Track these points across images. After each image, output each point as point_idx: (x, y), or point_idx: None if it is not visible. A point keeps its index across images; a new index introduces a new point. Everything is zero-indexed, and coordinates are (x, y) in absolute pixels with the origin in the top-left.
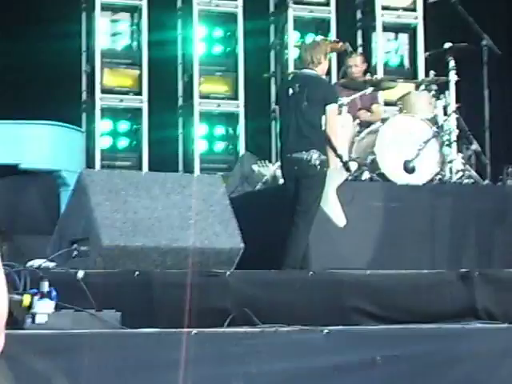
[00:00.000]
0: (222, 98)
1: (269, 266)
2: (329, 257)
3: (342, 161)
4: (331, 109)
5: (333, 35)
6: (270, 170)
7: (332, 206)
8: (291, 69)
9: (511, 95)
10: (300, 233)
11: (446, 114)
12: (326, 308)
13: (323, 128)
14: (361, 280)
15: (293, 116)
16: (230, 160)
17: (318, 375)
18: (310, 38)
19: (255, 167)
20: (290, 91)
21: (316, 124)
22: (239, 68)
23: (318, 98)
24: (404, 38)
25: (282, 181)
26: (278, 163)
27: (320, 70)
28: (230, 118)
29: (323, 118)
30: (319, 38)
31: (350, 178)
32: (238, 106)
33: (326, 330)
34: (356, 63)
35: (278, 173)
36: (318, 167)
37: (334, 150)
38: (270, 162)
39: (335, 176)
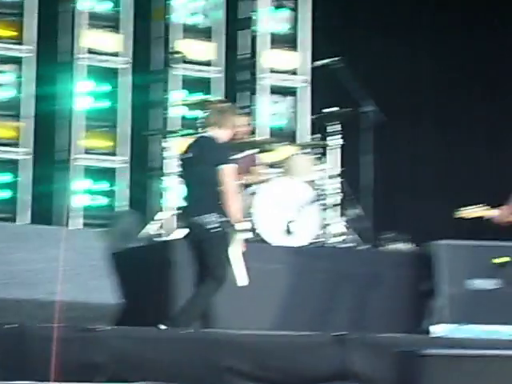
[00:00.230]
0: (104, 154)
1: (150, 321)
2: (205, 317)
3: (240, 222)
4: (225, 170)
5: (218, 95)
6: (153, 226)
7: (232, 266)
8: (171, 127)
9: (394, 161)
10: (200, 293)
11: (330, 177)
12: (200, 367)
13: (219, 189)
14: (236, 340)
15: (191, 179)
16: (111, 215)
17: None
18: (195, 97)
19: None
20: (190, 154)
21: (212, 186)
22: (121, 124)
23: (211, 160)
24: (290, 100)
25: (165, 238)
26: (161, 220)
27: (221, 134)
28: (111, 174)
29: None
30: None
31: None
32: (120, 162)
33: None
34: (243, 123)
35: (160, 230)
36: (217, 230)
37: (231, 211)
38: (149, 218)
39: (236, 237)
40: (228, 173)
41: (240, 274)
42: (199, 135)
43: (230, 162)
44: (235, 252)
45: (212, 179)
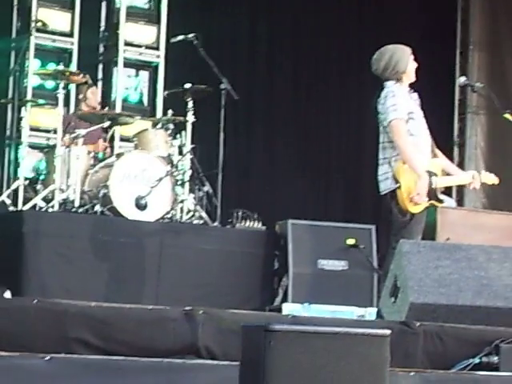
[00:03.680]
0: None
1: None
2: (55, 288)
3: None
4: None
5: (74, 66)
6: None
7: None
8: (29, 96)
9: (245, 139)
10: None
11: (181, 153)
12: (48, 337)
13: None
14: (85, 311)
15: None
16: None
17: None
18: (50, 67)
19: None
20: None
21: None
22: None
23: None
24: (144, 75)
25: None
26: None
27: None
28: None
29: None
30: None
31: None
32: None
33: (47, 357)
34: (95, 95)
35: (7, 200)
36: None
37: None
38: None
39: None
40: None
41: None
42: None
43: None
44: None
45: None
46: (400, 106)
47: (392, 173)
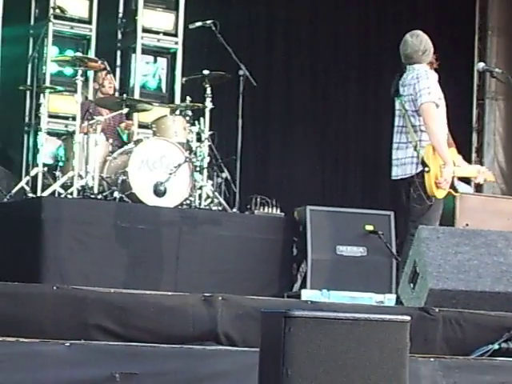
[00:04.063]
0: None
1: (18, 277)
2: (73, 274)
3: None
4: None
5: (92, 53)
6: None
7: None
8: (48, 83)
9: (263, 125)
10: None
11: (199, 140)
12: (68, 323)
13: None
14: (104, 298)
15: None
16: None
17: None
18: (69, 53)
19: None
20: None
21: None
22: None
23: None
24: (163, 62)
25: (36, 195)
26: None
27: None
28: None
29: None
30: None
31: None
32: None
33: (67, 343)
34: (111, 82)
35: (26, 187)
36: None
37: None
38: (21, 175)
39: None
40: None
41: None
42: None
43: None
44: None
45: None
46: (433, 90)
47: (419, 157)
